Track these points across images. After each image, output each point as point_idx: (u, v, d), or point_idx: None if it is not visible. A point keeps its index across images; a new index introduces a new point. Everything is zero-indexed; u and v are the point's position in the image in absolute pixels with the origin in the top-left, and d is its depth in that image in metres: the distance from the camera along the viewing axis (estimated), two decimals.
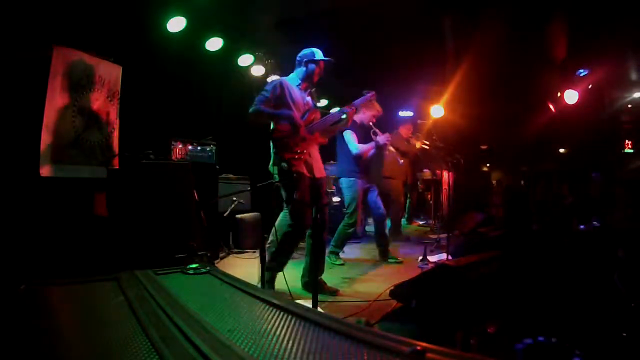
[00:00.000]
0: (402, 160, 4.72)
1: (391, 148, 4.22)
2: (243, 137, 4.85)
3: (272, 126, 2.84)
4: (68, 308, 1.71)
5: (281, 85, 2.79)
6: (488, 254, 2.64)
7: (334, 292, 2.91)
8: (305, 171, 2.76)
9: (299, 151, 2.74)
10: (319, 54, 2.91)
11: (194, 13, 3.97)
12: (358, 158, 3.97)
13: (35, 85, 2.97)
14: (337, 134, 3.98)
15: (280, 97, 2.77)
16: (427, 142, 5.46)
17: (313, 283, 2.63)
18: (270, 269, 2.74)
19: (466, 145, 6.44)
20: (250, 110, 2.72)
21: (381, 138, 3.91)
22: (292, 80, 2.92)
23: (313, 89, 3.00)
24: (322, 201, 2.90)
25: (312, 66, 2.88)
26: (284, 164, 2.70)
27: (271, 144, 2.85)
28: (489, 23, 5.01)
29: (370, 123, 4.00)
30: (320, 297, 2.38)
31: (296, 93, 2.85)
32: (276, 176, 2.79)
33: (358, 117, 4.00)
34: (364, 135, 4.02)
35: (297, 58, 2.95)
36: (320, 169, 2.92)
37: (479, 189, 6.64)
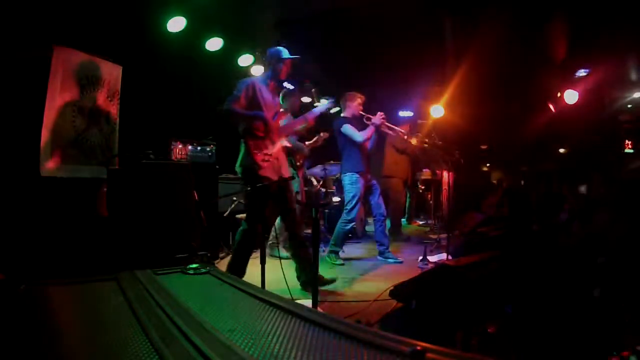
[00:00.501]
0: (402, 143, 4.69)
1: (389, 125, 4.23)
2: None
3: (244, 126, 2.85)
4: (68, 308, 1.71)
5: (253, 86, 2.82)
6: (488, 254, 2.64)
7: (333, 280, 2.97)
8: (272, 174, 2.80)
9: (269, 153, 2.80)
10: (285, 53, 2.95)
11: (194, 13, 3.97)
12: (362, 151, 4.01)
13: (36, 85, 2.97)
14: (334, 133, 4.06)
15: (252, 97, 2.80)
16: (426, 141, 5.45)
17: (312, 280, 2.65)
18: (232, 273, 2.75)
19: (466, 145, 6.43)
20: (223, 108, 2.74)
21: (375, 119, 3.99)
22: (262, 80, 2.96)
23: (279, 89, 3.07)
24: (288, 203, 2.94)
25: (279, 65, 2.93)
26: (250, 167, 2.77)
27: (242, 143, 2.87)
28: (489, 23, 5.01)
29: (360, 112, 4.08)
30: (320, 296, 2.39)
31: (266, 93, 2.89)
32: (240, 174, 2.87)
33: (348, 112, 4.11)
34: (359, 125, 4.09)
35: (265, 58, 3.03)
36: (286, 169, 2.99)
37: (479, 189, 6.63)
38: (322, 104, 3.38)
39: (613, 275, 2.09)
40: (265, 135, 2.79)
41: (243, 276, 2.76)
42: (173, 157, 3.82)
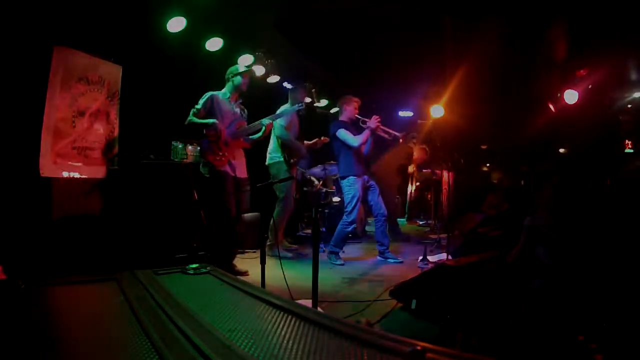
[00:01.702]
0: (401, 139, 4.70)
1: (385, 128, 4.23)
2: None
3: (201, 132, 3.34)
4: (68, 308, 1.71)
5: (211, 99, 3.36)
6: (488, 254, 2.64)
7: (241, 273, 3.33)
8: (229, 170, 3.30)
9: (221, 153, 3.28)
10: (241, 67, 3.54)
11: (194, 13, 3.96)
12: (358, 154, 4.01)
13: (36, 85, 2.97)
14: (329, 137, 4.11)
15: (210, 109, 3.34)
16: (425, 147, 5.47)
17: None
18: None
19: (466, 145, 6.44)
20: (186, 121, 3.31)
21: (371, 122, 3.99)
22: (223, 94, 3.47)
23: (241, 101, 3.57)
24: (240, 197, 3.42)
25: (237, 79, 3.47)
26: (209, 165, 3.27)
27: (198, 147, 3.44)
28: (489, 24, 5.00)
29: (356, 116, 4.09)
30: (320, 297, 2.38)
31: (225, 105, 3.41)
32: (206, 174, 3.32)
33: (344, 116, 4.13)
34: (355, 128, 4.10)
35: (226, 76, 3.52)
36: (242, 170, 3.46)
37: (479, 189, 6.63)
38: (288, 109, 3.87)
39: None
40: (217, 139, 3.27)
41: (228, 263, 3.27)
42: (173, 158, 3.82)
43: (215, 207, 3.28)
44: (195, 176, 3.43)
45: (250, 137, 3.53)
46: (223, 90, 3.51)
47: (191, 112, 3.31)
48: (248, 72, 3.55)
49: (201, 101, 3.35)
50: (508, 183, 6.69)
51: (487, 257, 2.53)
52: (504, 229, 3.49)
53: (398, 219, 6.09)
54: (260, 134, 3.50)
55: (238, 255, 4.15)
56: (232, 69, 3.53)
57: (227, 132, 3.33)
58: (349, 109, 4.13)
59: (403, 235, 5.57)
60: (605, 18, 4.71)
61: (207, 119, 3.30)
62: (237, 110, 3.50)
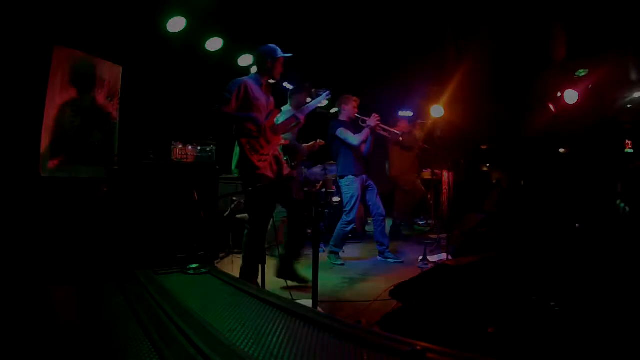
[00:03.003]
0: (401, 138, 4.69)
1: (384, 126, 4.22)
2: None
3: (237, 128, 2.81)
4: (68, 308, 1.71)
5: (244, 87, 2.75)
6: (488, 254, 2.64)
7: (303, 281, 2.94)
8: (270, 173, 2.78)
9: (265, 153, 2.76)
10: (278, 52, 2.91)
11: (194, 13, 3.96)
12: (357, 153, 4.01)
13: (36, 85, 2.97)
14: (328, 136, 4.07)
15: (244, 98, 2.75)
16: (426, 147, 5.46)
17: (286, 270, 2.81)
18: (245, 277, 2.72)
19: (466, 145, 6.44)
20: (215, 112, 2.72)
21: (370, 120, 3.98)
22: (255, 80, 2.88)
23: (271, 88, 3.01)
24: (290, 198, 2.92)
25: (271, 64, 2.87)
26: (248, 168, 2.73)
27: (237, 145, 2.83)
28: (489, 24, 5.01)
29: (355, 114, 4.07)
30: (320, 297, 2.39)
31: (259, 93, 2.83)
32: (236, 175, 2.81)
33: (343, 115, 4.11)
34: (355, 129, 4.09)
35: (257, 57, 2.95)
36: (285, 168, 2.96)
37: (479, 188, 6.63)
38: (316, 100, 3.36)
39: None
40: (258, 135, 2.75)
41: (256, 279, 2.72)
42: (173, 158, 3.82)
43: (251, 216, 2.84)
44: (195, 176, 3.42)
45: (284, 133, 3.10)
46: (253, 75, 2.94)
47: (221, 101, 2.72)
48: (283, 58, 2.94)
49: (232, 88, 2.74)
50: (508, 183, 6.69)
51: (487, 257, 2.53)
52: (504, 229, 3.49)
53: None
54: (289, 129, 3.15)
55: (238, 256, 4.15)
56: (265, 49, 2.91)
57: (267, 127, 2.80)
58: (348, 109, 4.13)
59: (404, 235, 5.53)
60: (606, 18, 4.71)
61: (239, 111, 2.74)
62: (271, 98, 2.95)
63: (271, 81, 2.96)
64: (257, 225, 2.78)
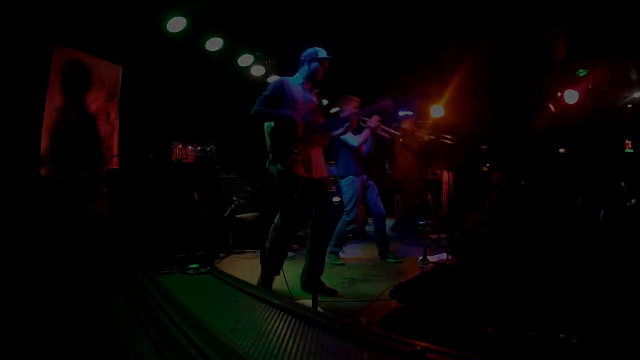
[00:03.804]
0: (401, 137, 4.67)
1: (384, 127, 4.22)
2: (243, 137, 4.86)
3: (271, 124, 2.79)
4: (68, 308, 1.71)
5: (282, 84, 2.76)
6: (488, 254, 2.64)
7: (333, 293, 2.90)
8: (302, 172, 2.72)
9: (296, 151, 2.70)
10: (322, 53, 2.89)
11: (194, 13, 3.96)
12: (357, 154, 4.01)
13: (36, 85, 2.97)
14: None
15: (281, 97, 2.74)
16: (432, 137, 5.42)
17: (312, 284, 2.63)
18: (266, 272, 2.70)
19: (466, 145, 6.44)
20: (251, 111, 2.71)
21: (371, 122, 3.97)
22: (295, 79, 2.89)
23: (318, 90, 2.95)
24: (322, 201, 2.85)
25: (315, 65, 2.86)
26: (279, 165, 2.69)
27: (269, 141, 2.81)
28: (489, 24, 5.01)
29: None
30: (320, 297, 2.39)
31: (298, 92, 2.81)
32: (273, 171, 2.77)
33: (343, 116, 4.09)
34: (355, 129, 4.08)
35: (301, 57, 2.93)
36: (321, 169, 2.86)
37: (479, 188, 6.64)
38: (325, 104, 3.31)
39: None
40: (292, 133, 2.70)
41: (278, 274, 2.70)
42: (173, 158, 3.83)
43: (281, 214, 2.77)
44: (195, 176, 3.42)
45: (333, 133, 3.00)
46: (295, 76, 2.94)
47: (257, 102, 2.72)
48: (327, 60, 2.91)
49: (270, 87, 2.78)
50: (508, 183, 6.70)
51: (487, 257, 2.53)
52: (504, 229, 3.49)
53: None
54: (342, 130, 3.08)
55: (238, 256, 4.16)
56: (310, 51, 2.92)
57: (303, 126, 2.74)
58: (349, 108, 4.12)
59: (417, 235, 5.48)
60: (606, 18, 4.71)
61: (276, 108, 2.72)
62: (314, 99, 2.90)
63: (316, 90, 2.93)
64: (285, 220, 2.74)
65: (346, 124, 3.02)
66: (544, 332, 1.59)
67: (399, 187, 5.55)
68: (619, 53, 5.17)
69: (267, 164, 2.85)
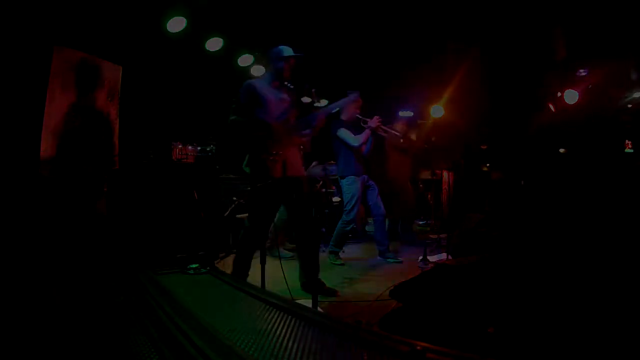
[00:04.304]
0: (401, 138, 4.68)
1: (385, 128, 4.23)
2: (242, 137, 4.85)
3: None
4: (68, 308, 1.71)
5: (251, 88, 2.78)
6: (488, 254, 2.64)
7: (333, 293, 2.90)
8: (280, 173, 2.71)
9: (274, 152, 2.71)
10: (287, 51, 2.90)
11: (194, 13, 3.96)
12: (358, 154, 4.01)
13: (36, 86, 2.97)
14: (331, 136, 4.06)
15: (252, 100, 2.76)
16: (425, 145, 5.45)
17: (312, 284, 2.62)
18: (234, 274, 2.71)
19: (466, 145, 6.44)
20: (228, 121, 2.74)
21: (371, 122, 3.98)
22: (265, 80, 2.91)
23: (289, 86, 2.96)
24: (300, 200, 2.83)
25: (280, 64, 2.88)
26: (254, 167, 2.72)
27: (245, 145, 2.85)
28: (489, 24, 5.01)
29: (357, 115, 4.08)
30: (320, 297, 2.39)
31: (269, 93, 2.83)
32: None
33: (345, 115, 4.11)
34: (356, 129, 4.08)
35: (268, 57, 2.94)
36: (297, 168, 2.88)
37: (479, 188, 6.64)
38: (325, 104, 3.29)
39: None
40: (269, 135, 2.73)
41: (245, 277, 2.71)
42: (173, 158, 3.83)
43: (251, 214, 2.81)
44: (195, 176, 3.42)
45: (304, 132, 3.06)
46: (264, 76, 2.99)
47: (231, 111, 2.76)
48: (293, 57, 2.93)
49: (241, 93, 2.79)
50: (507, 183, 6.70)
51: (487, 257, 2.53)
52: (504, 228, 3.49)
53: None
54: (311, 129, 3.08)
55: None
56: (274, 50, 2.94)
57: (279, 127, 2.78)
58: (351, 108, 4.13)
59: (414, 236, 5.49)
60: (606, 18, 4.71)
61: (250, 112, 2.75)
62: (285, 96, 2.91)
63: (286, 83, 2.93)
64: (256, 225, 2.75)
65: (313, 124, 2.98)
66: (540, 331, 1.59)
67: (391, 187, 5.55)
68: (619, 53, 5.17)
69: (243, 165, 2.85)
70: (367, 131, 4.00)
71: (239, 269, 2.74)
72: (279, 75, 2.90)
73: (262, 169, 2.69)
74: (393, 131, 4.29)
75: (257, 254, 2.61)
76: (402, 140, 4.69)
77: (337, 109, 3.17)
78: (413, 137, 5.54)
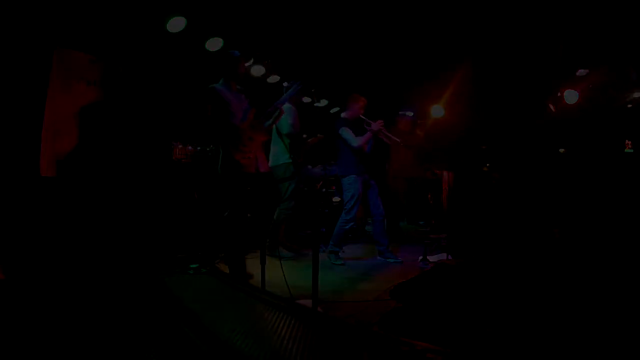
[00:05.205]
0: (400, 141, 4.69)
1: (387, 134, 4.23)
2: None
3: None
4: (67, 308, 1.71)
5: (214, 94, 2.97)
6: (488, 254, 2.64)
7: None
8: (252, 170, 2.96)
9: (247, 151, 2.91)
10: (237, 53, 3.13)
11: (194, 13, 3.96)
12: (359, 153, 4.02)
13: (36, 86, 2.97)
14: (333, 133, 4.06)
15: (220, 106, 2.95)
16: (425, 147, 5.46)
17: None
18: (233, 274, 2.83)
19: (466, 145, 6.44)
20: (198, 126, 3.06)
21: (374, 125, 3.98)
22: (222, 84, 3.09)
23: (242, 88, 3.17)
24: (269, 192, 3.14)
25: (235, 66, 3.10)
26: (229, 167, 2.89)
27: (220, 145, 3.01)
28: (490, 24, 5.01)
29: (361, 115, 4.07)
30: (320, 297, 2.39)
31: (230, 96, 3.02)
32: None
33: (348, 113, 4.11)
34: (358, 129, 4.08)
35: (220, 65, 3.16)
36: (264, 164, 3.12)
37: (479, 189, 6.63)
38: (288, 92, 3.53)
39: None
40: (239, 135, 2.91)
41: (244, 274, 2.79)
42: (173, 158, 3.83)
43: (231, 211, 2.95)
44: (195, 176, 3.42)
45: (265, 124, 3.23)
46: (220, 81, 3.17)
47: (199, 116, 3.09)
48: (242, 58, 3.17)
49: (205, 99, 3.02)
50: (507, 183, 6.70)
51: (487, 257, 2.54)
52: (504, 228, 3.49)
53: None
54: (271, 120, 3.23)
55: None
56: (226, 56, 3.18)
57: (245, 127, 2.94)
58: (355, 107, 4.13)
59: (403, 235, 5.53)
60: (606, 18, 4.71)
61: (216, 116, 2.94)
62: (242, 96, 3.11)
63: (239, 87, 3.14)
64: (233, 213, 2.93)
65: (274, 114, 3.18)
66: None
67: (391, 185, 5.57)
68: (619, 53, 5.17)
69: (218, 168, 2.98)
70: (369, 134, 4.00)
71: (234, 267, 2.79)
72: (235, 77, 3.11)
73: (235, 168, 2.89)
74: (394, 137, 4.29)
75: (257, 254, 2.61)
76: (401, 144, 4.68)
77: (285, 102, 3.39)
78: (420, 133, 5.55)
